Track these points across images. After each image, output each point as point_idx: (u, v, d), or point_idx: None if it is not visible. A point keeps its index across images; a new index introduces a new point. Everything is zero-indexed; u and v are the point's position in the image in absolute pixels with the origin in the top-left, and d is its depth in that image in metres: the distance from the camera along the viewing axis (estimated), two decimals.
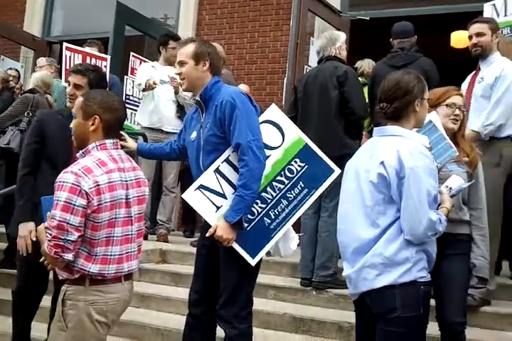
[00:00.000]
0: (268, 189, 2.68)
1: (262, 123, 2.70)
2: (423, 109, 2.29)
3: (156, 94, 5.27)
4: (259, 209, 2.67)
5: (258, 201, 2.66)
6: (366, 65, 5.17)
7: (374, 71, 4.52)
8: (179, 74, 2.80)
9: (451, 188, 2.46)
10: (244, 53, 6.94)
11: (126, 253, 2.31)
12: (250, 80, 6.78)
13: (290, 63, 5.40)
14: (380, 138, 2.30)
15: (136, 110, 5.70)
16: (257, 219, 2.67)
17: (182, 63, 2.76)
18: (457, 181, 2.49)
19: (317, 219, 4.04)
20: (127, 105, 5.83)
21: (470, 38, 3.78)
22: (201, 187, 2.68)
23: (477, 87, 3.70)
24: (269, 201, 2.68)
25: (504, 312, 3.44)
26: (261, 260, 2.76)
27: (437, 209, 2.22)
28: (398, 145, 2.16)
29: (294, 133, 2.77)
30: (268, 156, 2.67)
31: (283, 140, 2.73)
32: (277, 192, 2.70)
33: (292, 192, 2.72)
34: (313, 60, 5.26)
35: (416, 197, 2.09)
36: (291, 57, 5.40)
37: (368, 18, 6.25)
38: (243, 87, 5.66)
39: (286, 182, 2.72)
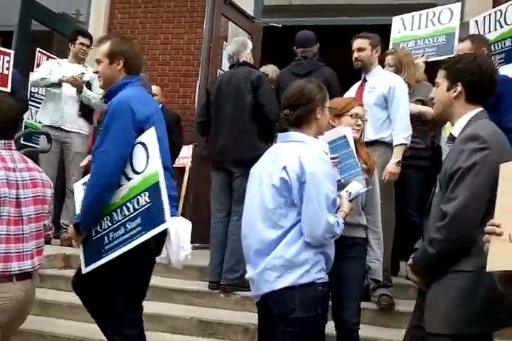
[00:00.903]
0: (118, 210, 2.56)
1: (137, 143, 2.56)
2: (324, 117, 2.39)
3: (58, 92, 5.10)
4: (106, 227, 2.59)
5: (108, 217, 2.59)
6: (270, 70, 5.27)
7: (278, 78, 4.64)
8: (96, 72, 2.79)
9: (350, 193, 2.59)
10: (157, 54, 6.85)
11: (17, 252, 2.26)
12: (163, 82, 6.71)
13: (203, 66, 5.41)
14: (283, 143, 2.38)
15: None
16: (102, 233, 2.61)
17: (98, 61, 2.75)
18: (356, 186, 2.63)
19: (227, 223, 4.07)
20: (32, 103, 5.59)
21: (353, 52, 3.97)
22: (84, 183, 2.77)
23: (369, 96, 3.86)
24: (114, 222, 2.57)
25: (402, 310, 3.63)
26: (151, 264, 2.69)
27: (336, 212, 2.32)
28: (300, 151, 2.25)
29: (155, 166, 2.50)
30: (131, 178, 2.56)
31: (145, 168, 2.52)
32: (122, 217, 2.56)
33: (130, 224, 2.53)
34: (226, 64, 5.29)
35: (316, 201, 2.17)
36: (205, 60, 5.41)
37: (280, 25, 6.39)
38: (155, 89, 5.60)
39: (131, 211, 2.54)
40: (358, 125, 2.89)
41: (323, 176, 2.20)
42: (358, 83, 4.03)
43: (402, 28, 4.88)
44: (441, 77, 2.23)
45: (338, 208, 2.39)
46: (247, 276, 2.38)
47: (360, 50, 3.93)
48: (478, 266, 1.96)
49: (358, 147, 2.92)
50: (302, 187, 2.19)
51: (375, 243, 2.87)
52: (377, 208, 2.95)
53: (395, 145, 3.74)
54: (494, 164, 1.95)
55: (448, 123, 4.51)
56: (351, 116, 2.90)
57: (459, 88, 2.16)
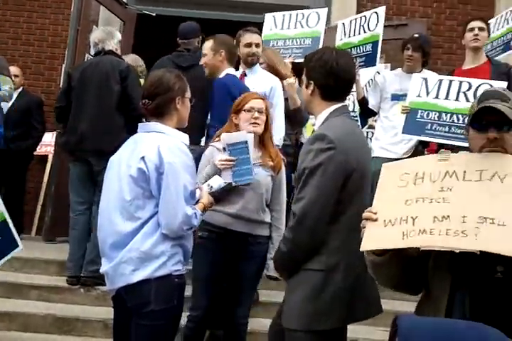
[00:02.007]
0: None
1: None
2: (184, 108, 2.35)
3: None
4: None
5: None
6: (129, 59, 5.12)
7: (157, 66, 4.52)
8: None
9: (211, 187, 2.61)
10: (19, 33, 6.34)
11: None
12: (26, 63, 6.23)
13: (70, 50, 5.13)
14: (144, 134, 2.32)
15: None
16: None
17: None
18: (218, 181, 2.67)
19: (89, 216, 3.91)
20: None
21: (249, 45, 3.97)
22: None
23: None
24: None
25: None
26: None
27: (196, 204, 2.32)
28: (159, 142, 2.20)
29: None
30: None
31: None
32: None
33: None
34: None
35: (173, 192, 2.15)
36: (71, 43, 5.14)
37: (154, 14, 6.25)
38: (14, 70, 5.20)
39: None
40: (255, 118, 2.87)
41: (181, 167, 2.17)
42: (237, 73, 4.01)
43: (273, 25, 4.95)
44: (303, 75, 2.29)
45: (198, 200, 2.39)
46: (101, 270, 2.29)
47: (257, 45, 3.97)
48: (327, 265, 2.07)
49: (265, 142, 2.92)
50: (160, 178, 2.15)
51: (277, 241, 2.84)
52: (282, 205, 2.98)
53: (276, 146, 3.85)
54: (340, 164, 2.05)
55: (308, 122, 4.78)
56: (246, 110, 2.89)
57: (312, 86, 2.22)
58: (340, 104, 2.23)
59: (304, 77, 2.28)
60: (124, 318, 2.27)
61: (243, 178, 2.79)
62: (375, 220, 1.64)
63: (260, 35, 4.08)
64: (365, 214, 1.68)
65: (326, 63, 2.18)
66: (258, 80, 3.94)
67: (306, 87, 2.25)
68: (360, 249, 1.67)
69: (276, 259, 2.24)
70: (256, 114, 2.87)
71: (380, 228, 1.63)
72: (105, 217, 2.27)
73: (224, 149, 2.83)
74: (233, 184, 2.77)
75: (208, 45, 3.84)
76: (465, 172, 1.60)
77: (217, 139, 3.05)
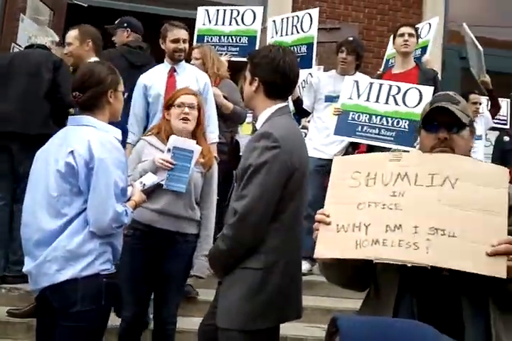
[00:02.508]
0: None
1: None
2: (117, 102, 2.27)
3: None
4: None
5: None
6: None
7: (107, 58, 4.35)
8: None
9: (144, 184, 2.55)
10: None
11: None
12: None
13: None
14: (73, 127, 2.23)
15: None
16: None
17: None
18: (151, 178, 2.61)
19: (10, 211, 3.72)
20: None
21: (175, 41, 3.90)
22: None
23: None
24: None
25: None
26: None
27: (127, 202, 2.25)
28: (90, 136, 2.12)
29: None
30: None
31: None
32: None
33: None
34: (22, 39, 4.83)
35: (103, 188, 2.07)
36: None
37: (85, 5, 6.04)
38: None
39: None
40: (185, 113, 2.81)
41: (112, 163, 2.10)
42: (164, 69, 3.95)
43: (207, 20, 4.87)
44: (247, 70, 2.26)
45: (130, 198, 2.32)
46: (24, 269, 2.18)
47: (184, 41, 3.90)
48: (265, 263, 2.05)
49: (197, 137, 2.85)
50: (90, 173, 2.07)
51: (205, 239, 2.84)
52: (212, 203, 2.92)
53: (212, 143, 3.79)
54: (284, 163, 2.05)
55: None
56: (177, 106, 2.83)
57: (256, 83, 2.19)
58: (283, 104, 2.23)
59: (247, 74, 2.25)
60: (47, 320, 2.17)
61: (176, 185, 2.72)
62: (328, 224, 1.61)
63: (187, 31, 4.02)
64: (317, 217, 1.65)
65: (273, 60, 2.17)
66: (190, 76, 3.90)
67: (250, 84, 2.22)
68: (314, 256, 1.64)
69: (213, 257, 2.20)
70: (186, 110, 2.82)
71: (332, 233, 1.59)
72: (30, 214, 2.16)
73: (168, 150, 2.76)
74: (164, 186, 2.70)
75: (73, 34, 3.80)
76: (417, 175, 1.58)
77: (149, 133, 2.98)
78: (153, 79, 3.89)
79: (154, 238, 2.78)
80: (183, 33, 3.91)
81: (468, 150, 1.75)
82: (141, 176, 2.66)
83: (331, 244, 1.58)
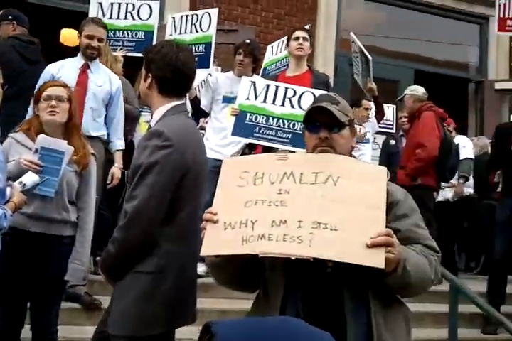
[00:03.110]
0: None
1: None
2: None
3: None
4: None
5: None
6: None
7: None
8: None
9: (24, 184, 2.37)
10: None
11: None
12: None
13: None
14: None
15: None
16: None
17: None
18: (32, 177, 2.43)
19: None
20: None
21: (89, 37, 3.80)
22: None
23: (98, 90, 3.76)
24: None
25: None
26: None
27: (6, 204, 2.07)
28: None
29: None
30: None
31: None
32: None
33: None
34: None
35: None
36: None
37: None
38: None
39: None
40: (52, 106, 2.62)
41: None
42: (77, 63, 3.80)
43: (100, 13, 4.70)
44: (143, 66, 2.19)
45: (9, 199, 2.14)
46: None
47: (100, 40, 3.80)
48: (158, 267, 1.99)
49: (69, 133, 2.67)
50: None
51: (80, 242, 2.66)
52: (90, 204, 2.74)
53: (118, 150, 3.75)
54: (176, 163, 1.99)
55: (142, 120, 4.67)
56: (43, 99, 2.65)
57: (150, 79, 2.14)
58: (179, 102, 2.18)
59: (142, 70, 2.19)
60: None
61: (44, 188, 2.52)
62: (216, 222, 1.62)
63: (107, 30, 3.88)
64: (205, 216, 1.65)
65: (165, 56, 2.11)
66: (103, 77, 3.82)
67: (145, 80, 2.17)
68: (200, 254, 1.63)
69: (103, 261, 2.09)
70: (53, 102, 2.64)
71: (220, 231, 1.61)
72: None
73: (36, 150, 2.54)
74: (26, 189, 2.45)
75: None
76: (302, 174, 1.64)
77: (18, 129, 2.75)
78: (63, 71, 3.71)
79: (28, 243, 2.58)
80: (99, 31, 3.80)
81: (349, 149, 1.82)
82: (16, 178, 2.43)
83: (218, 241, 1.60)
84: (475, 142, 6.91)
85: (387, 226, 1.57)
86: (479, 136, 7.35)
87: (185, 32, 4.69)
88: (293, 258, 1.53)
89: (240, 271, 1.71)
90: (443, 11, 8.10)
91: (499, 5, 4.94)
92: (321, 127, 1.74)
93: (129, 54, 4.52)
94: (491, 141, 5.30)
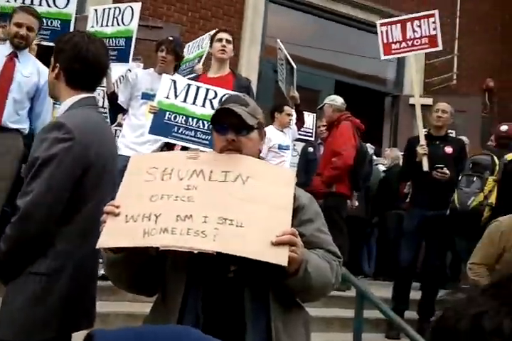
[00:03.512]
0: None
1: None
2: None
3: None
4: None
5: None
6: None
7: None
8: None
9: None
10: None
11: None
12: None
13: None
14: None
15: None
16: None
17: None
18: None
19: None
20: None
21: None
22: None
23: (25, 80, 3.64)
24: None
25: None
26: None
27: None
28: None
29: None
30: None
31: None
32: None
33: None
34: None
35: None
36: None
37: None
38: None
39: None
40: None
41: None
42: (4, 50, 3.64)
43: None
44: (52, 55, 2.07)
45: None
46: None
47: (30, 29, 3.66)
48: (51, 268, 1.87)
49: None
50: None
51: None
52: None
53: None
54: (77, 157, 1.89)
55: (54, 112, 4.43)
56: None
57: (57, 69, 2.03)
58: (87, 95, 2.07)
59: (52, 59, 2.08)
60: None
61: None
62: (117, 215, 1.55)
63: (38, 18, 3.73)
64: (106, 208, 1.57)
65: (75, 46, 2.01)
66: (32, 68, 3.67)
67: (52, 70, 2.05)
68: (97, 246, 1.54)
69: None
70: None
71: (120, 224, 1.55)
72: None
73: None
74: None
75: None
76: (211, 172, 1.64)
77: None
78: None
79: None
80: (28, 19, 3.65)
81: (257, 152, 1.81)
82: None
83: (117, 233, 1.55)
84: (387, 153, 7.21)
85: None
86: (392, 147, 7.66)
87: (107, 25, 4.54)
88: (195, 251, 1.50)
89: (138, 269, 1.63)
90: (367, 27, 8.40)
91: (381, 32, 5.21)
92: (228, 129, 1.71)
93: (44, 43, 4.29)
94: (402, 153, 5.52)
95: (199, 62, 5.15)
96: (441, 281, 4.58)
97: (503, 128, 4.66)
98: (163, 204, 1.57)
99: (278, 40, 5.70)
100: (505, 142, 4.60)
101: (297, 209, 1.67)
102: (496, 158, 4.45)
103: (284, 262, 1.49)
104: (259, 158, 1.81)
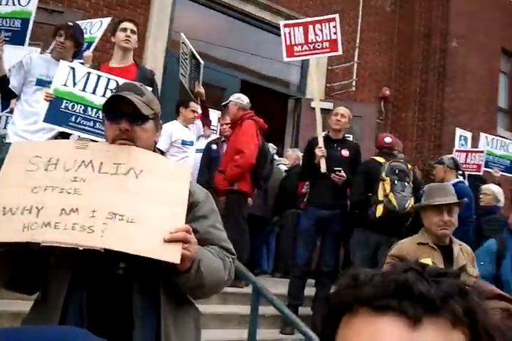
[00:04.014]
0: None
1: None
2: None
3: None
4: None
5: None
6: None
7: None
8: None
9: None
10: None
11: None
12: None
13: None
14: None
15: None
16: None
17: None
18: None
19: None
20: None
21: None
22: None
23: None
24: None
25: None
26: None
27: None
28: None
29: None
30: None
31: None
32: None
33: None
34: None
35: None
36: None
37: None
38: None
39: None
40: None
41: None
42: None
43: None
44: None
45: None
46: None
47: None
48: None
49: None
50: None
51: None
52: None
53: None
54: None
55: None
56: None
57: None
58: None
59: None
60: None
61: None
62: None
63: None
64: None
65: None
66: None
67: None
68: None
69: None
70: None
71: None
72: None
73: None
74: None
75: None
76: (102, 163, 1.54)
77: None
78: None
79: None
80: None
81: (152, 144, 1.73)
82: None
83: None
84: (289, 154, 7.37)
85: None
86: (294, 148, 7.85)
87: (1, 4, 4.22)
88: (81, 248, 1.40)
89: (18, 266, 1.52)
90: (274, 28, 8.53)
91: (284, 33, 5.31)
92: (122, 118, 1.62)
93: (6, 46, 3.93)
94: (302, 154, 5.67)
95: (88, 48, 4.90)
96: (335, 278, 4.76)
97: (387, 140, 4.97)
98: (46, 197, 1.46)
99: (182, 34, 5.63)
100: (387, 152, 4.91)
101: (192, 205, 1.63)
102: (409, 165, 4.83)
103: (177, 260, 1.43)
104: (154, 150, 1.73)
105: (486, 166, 6.91)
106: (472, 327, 0.60)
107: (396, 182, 4.70)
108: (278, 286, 5.04)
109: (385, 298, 0.60)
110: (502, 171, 7.09)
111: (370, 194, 4.65)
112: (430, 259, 2.72)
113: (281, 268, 6.63)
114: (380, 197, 4.64)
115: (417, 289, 0.60)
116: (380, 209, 4.57)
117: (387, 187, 4.66)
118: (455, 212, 2.84)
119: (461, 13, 10.12)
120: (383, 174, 4.70)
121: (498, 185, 6.72)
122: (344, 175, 4.65)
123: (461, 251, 2.87)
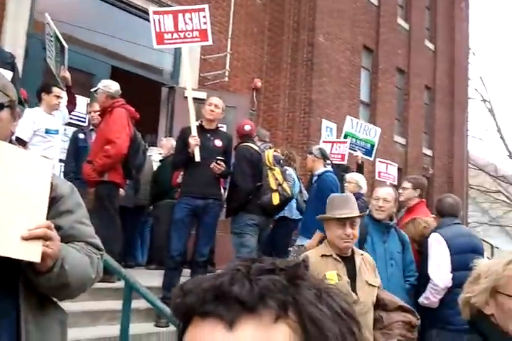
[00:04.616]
0: None
1: None
2: None
3: None
4: None
5: None
6: None
7: None
8: None
9: None
10: None
11: None
12: None
13: None
14: None
15: None
16: None
17: None
18: None
19: None
20: None
21: None
22: None
23: None
24: None
25: None
26: None
27: None
28: None
29: None
30: None
31: None
32: None
33: None
34: None
35: None
36: None
37: None
38: None
39: None
40: None
41: None
42: None
43: None
44: None
45: None
46: None
47: None
48: None
49: None
50: None
51: None
52: None
53: None
54: None
55: None
56: None
57: None
58: None
59: None
60: None
61: None
62: None
63: None
64: None
65: None
66: None
67: None
68: None
69: None
70: None
71: None
72: None
73: None
74: None
75: None
76: None
77: None
78: None
79: None
80: None
81: (8, 134, 1.58)
82: None
83: None
84: (163, 143, 7.25)
85: None
86: (168, 137, 7.73)
87: None
88: None
89: None
90: (147, 15, 8.29)
91: (153, 20, 5.24)
92: None
93: None
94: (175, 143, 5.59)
95: None
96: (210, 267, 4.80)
97: (247, 127, 5.15)
98: None
99: (46, 14, 5.26)
100: (247, 139, 5.09)
101: (55, 200, 1.53)
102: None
103: (37, 258, 1.34)
104: (10, 141, 1.58)
105: (350, 148, 7.39)
106: (298, 318, 0.63)
107: (284, 171, 5.07)
108: (153, 278, 4.97)
109: (206, 305, 0.63)
110: (363, 154, 7.62)
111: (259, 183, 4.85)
112: (336, 272, 2.75)
113: (156, 260, 6.54)
114: (273, 186, 4.85)
115: (232, 292, 0.62)
116: (276, 197, 4.85)
117: (279, 177, 4.90)
118: (357, 224, 2.87)
119: (328, 10, 10.64)
120: (270, 163, 4.93)
121: (361, 164, 7.28)
122: (224, 165, 4.69)
123: (363, 261, 2.91)
